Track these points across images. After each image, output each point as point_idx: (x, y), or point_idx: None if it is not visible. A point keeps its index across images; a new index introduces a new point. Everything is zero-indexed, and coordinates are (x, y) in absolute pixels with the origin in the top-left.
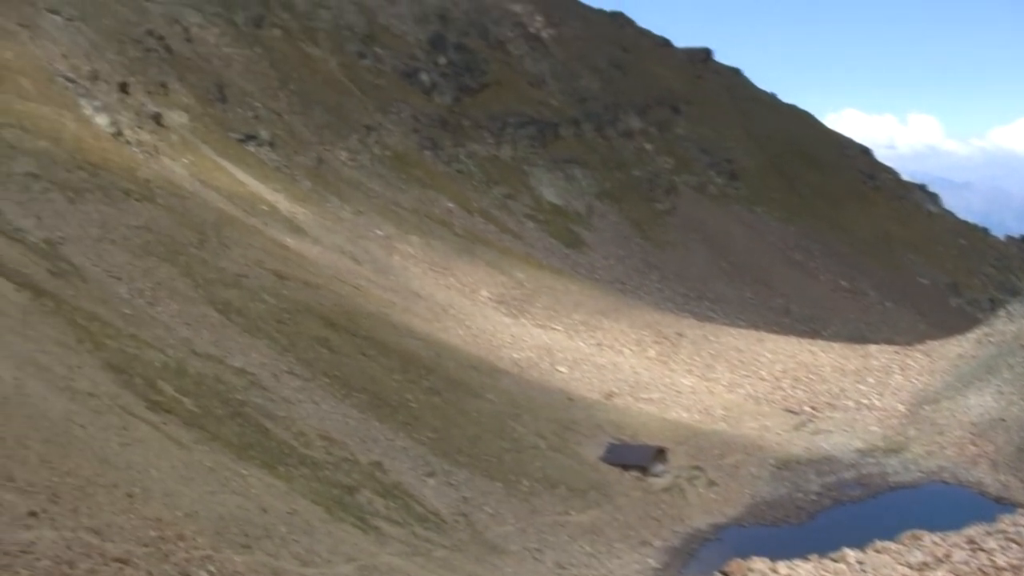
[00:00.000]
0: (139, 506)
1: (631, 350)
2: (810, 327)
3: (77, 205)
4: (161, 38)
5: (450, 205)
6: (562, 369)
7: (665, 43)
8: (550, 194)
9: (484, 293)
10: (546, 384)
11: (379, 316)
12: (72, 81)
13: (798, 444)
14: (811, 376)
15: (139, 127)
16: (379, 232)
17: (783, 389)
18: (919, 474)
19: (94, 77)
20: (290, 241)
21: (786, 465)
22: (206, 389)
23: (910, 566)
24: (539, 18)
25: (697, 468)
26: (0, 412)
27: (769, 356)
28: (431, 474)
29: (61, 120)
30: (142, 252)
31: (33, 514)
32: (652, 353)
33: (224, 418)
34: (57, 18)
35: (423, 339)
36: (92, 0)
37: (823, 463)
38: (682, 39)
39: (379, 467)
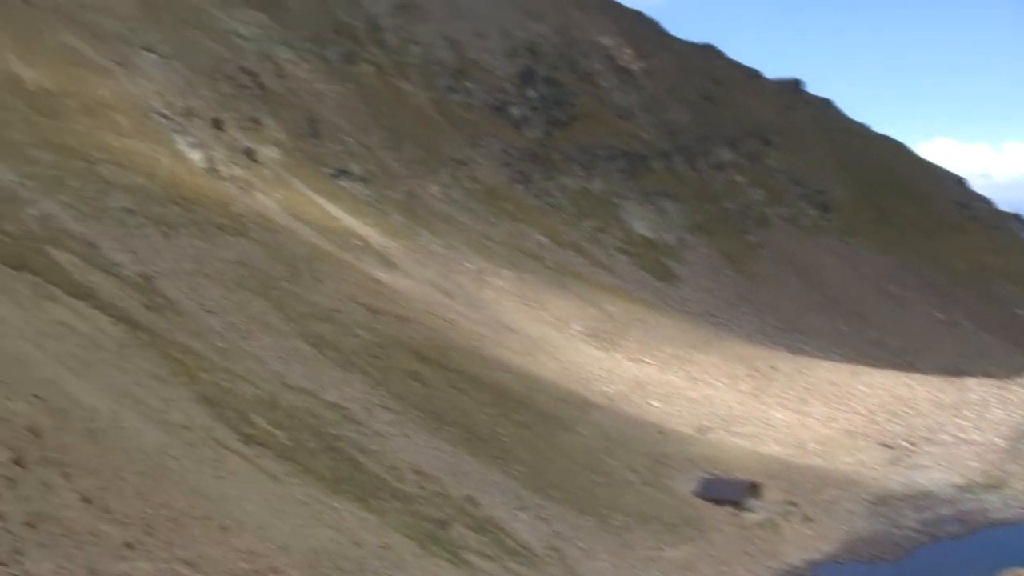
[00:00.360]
0: (232, 538)
1: (724, 384)
2: (905, 360)
3: (172, 240)
4: (254, 74)
5: (541, 239)
6: (654, 403)
7: (755, 74)
8: (641, 227)
9: (576, 327)
10: (638, 418)
11: (471, 350)
12: (167, 117)
13: (894, 479)
14: (907, 410)
15: (232, 162)
16: (470, 266)
17: (878, 423)
18: (1020, 510)
19: (188, 113)
20: (382, 275)
21: (882, 501)
22: (299, 422)
23: None
24: (628, 51)
25: (791, 503)
26: (97, 444)
27: (864, 389)
28: (523, 508)
29: (156, 156)
30: (235, 286)
31: (128, 545)
32: (745, 387)
33: (317, 451)
34: (152, 56)
35: (515, 373)
36: (186, 38)
37: (920, 499)
38: (772, 70)
39: (471, 501)
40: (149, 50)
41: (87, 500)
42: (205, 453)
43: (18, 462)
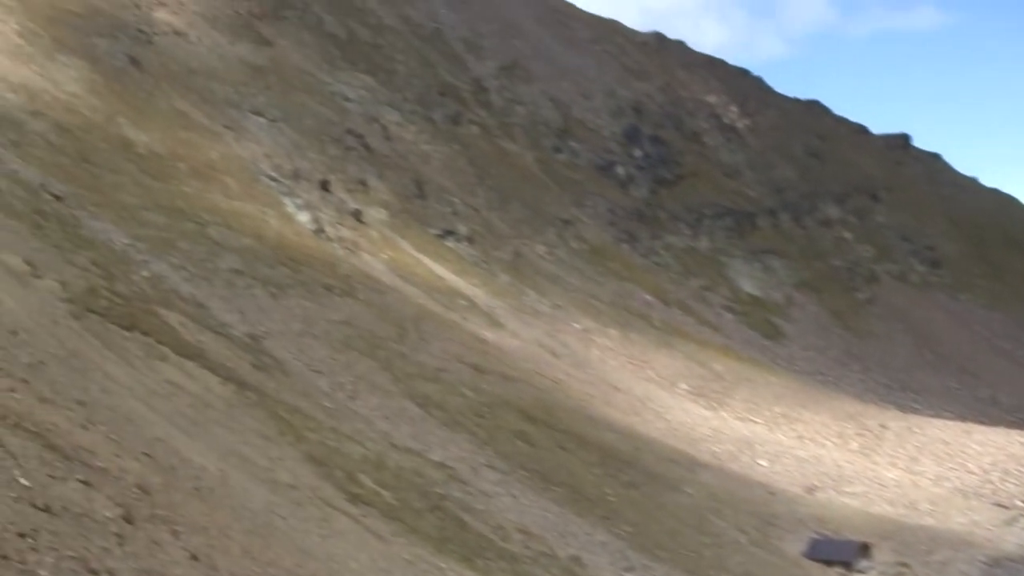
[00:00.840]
0: None
1: (833, 442)
2: (1018, 417)
3: (280, 300)
4: (360, 136)
5: (648, 297)
6: (763, 462)
7: (862, 130)
8: (748, 285)
9: (683, 385)
10: (746, 477)
11: (578, 409)
12: (275, 180)
13: (1010, 540)
14: (1022, 469)
15: (340, 224)
16: (577, 325)
17: (992, 482)
18: None
19: (296, 176)
20: (489, 335)
21: (998, 562)
22: (405, 482)
23: None
24: (734, 108)
25: (903, 564)
26: (205, 502)
27: (977, 448)
28: (630, 569)
29: (264, 218)
30: (343, 346)
31: None
32: (855, 445)
33: (423, 511)
34: (261, 119)
35: (621, 432)
36: (294, 101)
37: None
38: (879, 125)
39: (577, 561)
40: (258, 114)
41: (195, 558)
42: (312, 512)
43: (127, 519)
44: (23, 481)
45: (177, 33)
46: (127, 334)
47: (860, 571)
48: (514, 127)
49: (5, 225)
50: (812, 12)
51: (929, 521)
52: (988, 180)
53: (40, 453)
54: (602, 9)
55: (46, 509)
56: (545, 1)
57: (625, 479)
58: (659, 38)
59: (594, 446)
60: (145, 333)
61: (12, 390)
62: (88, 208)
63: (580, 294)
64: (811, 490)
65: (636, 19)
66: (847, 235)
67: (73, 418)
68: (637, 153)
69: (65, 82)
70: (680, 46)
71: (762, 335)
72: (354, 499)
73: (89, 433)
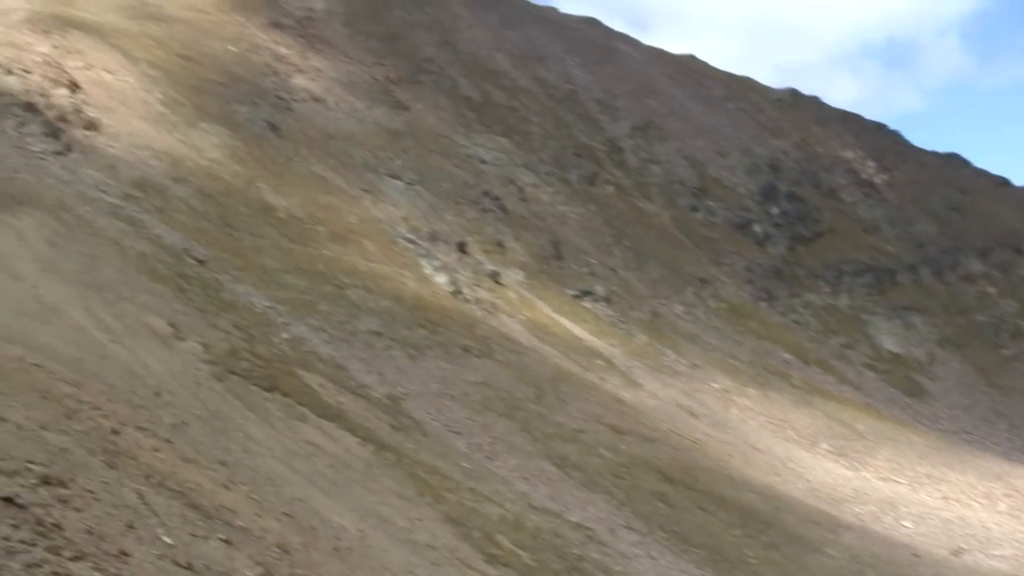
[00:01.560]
0: None
1: (980, 503)
2: None
3: (418, 362)
4: (497, 198)
5: (787, 356)
6: (907, 523)
7: (1004, 182)
8: (889, 342)
9: (823, 445)
10: (890, 539)
11: (717, 470)
12: (412, 242)
13: None
14: None
15: (477, 285)
16: (716, 385)
17: None
18: None
19: (433, 238)
20: (627, 395)
21: None
22: (543, 543)
23: None
24: (871, 164)
25: None
26: (344, 562)
27: None
28: None
29: (402, 279)
30: (481, 407)
31: None
32: (1003, 507)
33: (561, 572)
34: (398, 183)
35: (761, 492)
36: (431, 164)
37: None
38: (1021, 177)
39: None
40: (395, 177)
41: None
42: (450, 573)
43: None
44: (166, 539)
45: (315, 99)
46: (268, 395)
47: None
48: (650, 186)
49: (150, 289)
50: (948, 63)
51: None
52: None
53: (183, 512)
54: (735, 66)
55: (188, 567)
56: (678, 60)
57: (766, 540)
58: (794, 94)
59: (734, 507)
60: (285, 394)
61: (156, 450)
62: (230, 271)
63: (719, 353)
64: (958, 553)
65: (769, 76)
66: (990, 290)
67: (215, 478)
68: (774, 210)
69: (207, 148)
70: (815, 102)
71: (904, 393)
72: (492, 560)
73: (231, 493)
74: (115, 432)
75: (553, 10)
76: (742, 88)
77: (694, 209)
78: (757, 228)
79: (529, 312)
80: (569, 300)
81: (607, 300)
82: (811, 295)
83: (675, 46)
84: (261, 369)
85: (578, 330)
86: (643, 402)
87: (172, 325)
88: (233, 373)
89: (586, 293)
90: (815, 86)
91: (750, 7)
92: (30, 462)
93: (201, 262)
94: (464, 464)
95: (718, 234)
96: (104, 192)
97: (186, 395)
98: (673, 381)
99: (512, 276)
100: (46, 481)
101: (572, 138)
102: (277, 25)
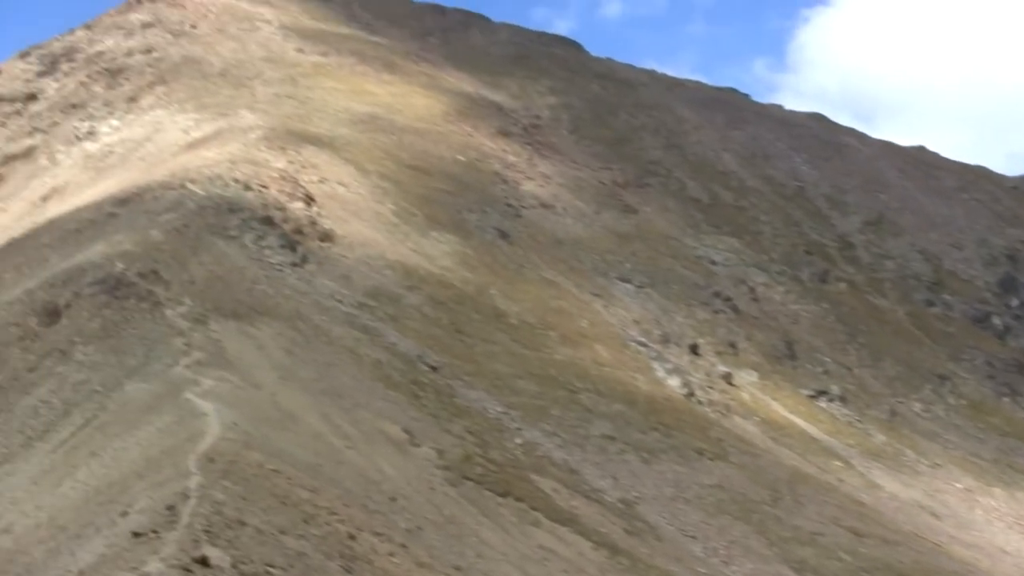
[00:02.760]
0: None
1: None
2: None
3: (652, 465)
4: (728, 299)
5: None
6: None
7: None
8: None
9: None
10: None
11: (962, 573)
12: (644, 345)
13: None
14: None
15: (710, 386)
16: (958, 485)
17: None
18: None
19: (665, 340)
20: (866, 497)
21: None
22: None
23: None
24: None
25: None
26: None
27: None
28: None
29: (634, 383)
30: (715, 510)
31: None
32: None
33: None
34: (628, 286)
35: None
36: (660, 267)
37: None
38: None
39: None
40: (625, 280)
41: None
42: None
43: None
44: None
45: (544, 205)
46: (501, 500)
47: None
48: (883, 282)
49: (385, 395)
50: None
51: None
52: None
53: None
54: (966, 156)
55: None
56: (907, 152)
57: None
58: None
59: None
60: (519, 499)
61: (391, 555)
62: (463, 378)
63: (960, 451)
64: None
65: (1003, 164)
66: None
67: None
68: (1014, 302)
69: (438, 257)
70: None
71: None
72: None
73: None
74: (351, 537)
75: (778, 108)
76: (975, 178)
77: (930, 303)
78: (997, 321)
79: (763, 413)
80: (804, 400)
81: (843, 399)
82: None
83: (903, 138)
84: (495, 474)
85: (814, 430)
86: (883, 503)
87: (407, 431)
88: (467, 478)
89: (821, 392)
90: None
91: (979, 95)
92: (269, 565)
93: (434, 369)
94: (700, 569)
95: (956, 328)
96: (339, 302)
97: (421, 500)
98: (913, 481)
99: (745, 377)
100: None
101: (802, 235)
102: (504, 133)
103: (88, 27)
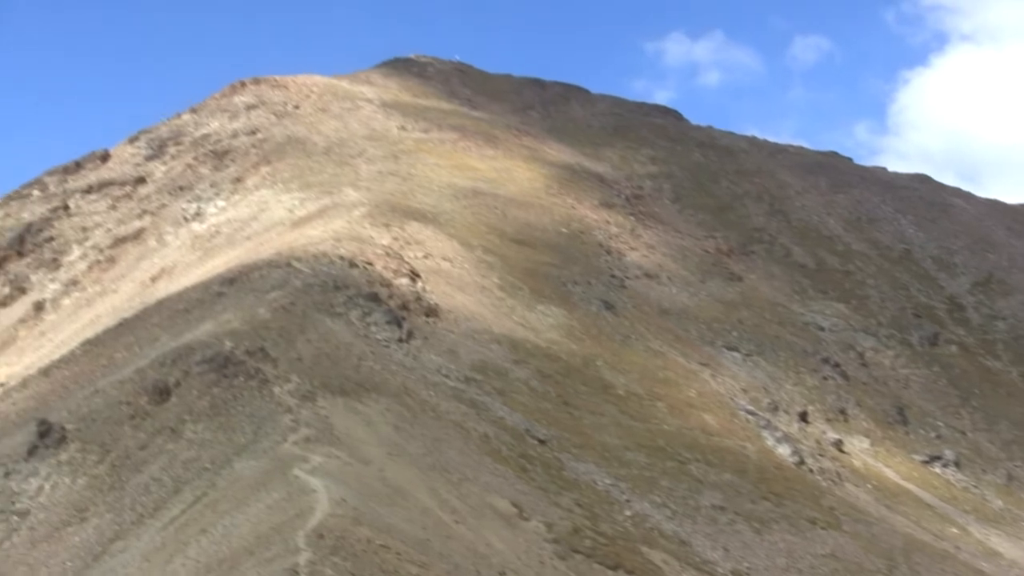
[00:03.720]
0: None
1: None
2: None
3: (763, 535)
4: (837, 365)
5: None
6: None
7: None
8: None
9: None
10: None
11: None
12: (752, 413)
13: None
14: None
15: (820, 454)
16: None
17: None
18: None
19: (774, 408)
20: (985, 565)
21: None
22: None
23: None
24: None
25: None
26: None
27: None
28: None
29: (744, 452)
30: None
31: None
32: None
33: None
34: (736, 355)
35: None
36: (767, 334)
37: None
38: None
39: None
40: (732, 348)
41: None
42: None
43: None
44: None
45: (648, 275)
46: (612, 573)
47: None
48: (995, 343)
49: (493, 469)
50: None
51: None
52: None
53: None
54: None
55: None
56: (1015, 210)
57: None
58: None
59: None
60: (630, 572)
61: None
62: (571, 450)
63: None
64: None
65: None
66: None
67: None
68: None
69: (544, 330)
70: None
71: None
72: None
73: None
74: None
75: (882, 170)
76: None
77: None
78: None
79: (876, 480)
80: (917, 465)
81: (957, 464)
82: None
83: (1010, 195)
84: (604, 547)
85: (928, 496)
86: (1003, 571)
87: (515, 505)
88: (577, 551)
89: (935, 457)
90: None
91: None
92: None
93: (542, 442)
94: None
95: None
96: (446, 376)
97: (530, 574)
98: None
99: (856, 443)
100: None
101: (910, 298)
102: (607, 204)
103: (194, 110)
